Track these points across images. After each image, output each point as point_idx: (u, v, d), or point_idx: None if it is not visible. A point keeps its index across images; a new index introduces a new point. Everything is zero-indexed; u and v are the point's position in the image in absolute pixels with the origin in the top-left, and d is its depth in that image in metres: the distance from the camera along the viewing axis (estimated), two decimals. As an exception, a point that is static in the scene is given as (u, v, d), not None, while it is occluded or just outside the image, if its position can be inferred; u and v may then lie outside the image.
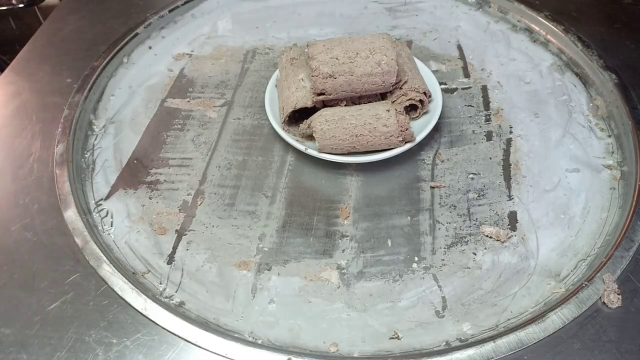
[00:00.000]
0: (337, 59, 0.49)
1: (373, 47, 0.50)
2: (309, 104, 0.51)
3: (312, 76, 0.50)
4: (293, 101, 0.52)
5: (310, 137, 0.52)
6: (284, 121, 0.53)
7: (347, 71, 0.50)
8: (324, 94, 0.51)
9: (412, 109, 0.54)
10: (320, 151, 0.51)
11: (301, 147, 0.52)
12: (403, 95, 0.52)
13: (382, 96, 0.54)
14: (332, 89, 0.50)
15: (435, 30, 0.69)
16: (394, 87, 0.52)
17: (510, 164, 0.53)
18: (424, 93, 0.53)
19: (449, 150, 0.55)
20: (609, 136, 0.55)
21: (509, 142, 0.55)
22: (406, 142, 0.51)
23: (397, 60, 0.52)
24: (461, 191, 0.51)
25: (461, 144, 0.55)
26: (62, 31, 0.67)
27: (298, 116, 0.53)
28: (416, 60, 0.58)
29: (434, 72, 0.58)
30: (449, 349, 0.40)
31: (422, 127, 0.53)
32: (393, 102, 0.52)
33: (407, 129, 0.50)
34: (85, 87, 0.59)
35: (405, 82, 0.52)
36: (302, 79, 0.53)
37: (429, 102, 0.54)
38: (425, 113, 0.55)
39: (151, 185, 0.53)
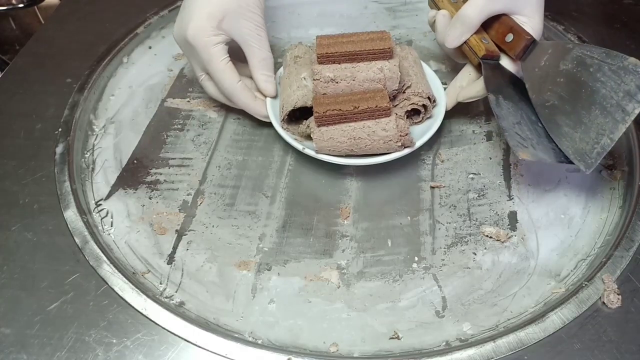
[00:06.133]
0: (339, 63, 0.50)
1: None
2: (309, 103, 0.51)
3: (314, 80, 0.50)
4: (293, 100, 0.52)
5: (310, 137, 0.51)
6: (283, 119, 0.52)
7: (349, 76, 0.50)
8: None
9: (415, 113, 0.53)
10: (317, 152, 0.50)
11: (299, 147, 0.51)
12: (406, 99, 0.52)
13: None
14: (334, 92, 0.50)
15: (435, 30, 0.69)
16: (397, 91, 0.52)
17: (510, 164, 0.53)
18: (428, 98, 0.52)
19: (449, 150, 0.55)
20: (609, 136, 0.55)
21: (509, 142, 0.55)
22: (405, 147, 0.50)
23: (403, 63, 0.52)
24: (461, 191, 0.51)
25: (461, 144, 0.55)
26: (62, 31, 0.67)
27: (299, 115, 0.53)
28: (424, 64, 0.57)
29: (434, 72, 0.58)
30: (449, 349, 0.40)
31: (423, 131, 0.52)
32: (395, 105, 0.52)
33: (406, 134, 0.49)
34: (85, 87, 0.59)
35: (409, 86, 0.52)
36: (304, 78, 0.53)
37: (433, 106, 0.53)
38: (428, 118, 0.54)
39: (151, 185, 0.53)
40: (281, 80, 0.56)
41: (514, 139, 0.46)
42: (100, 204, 0.51)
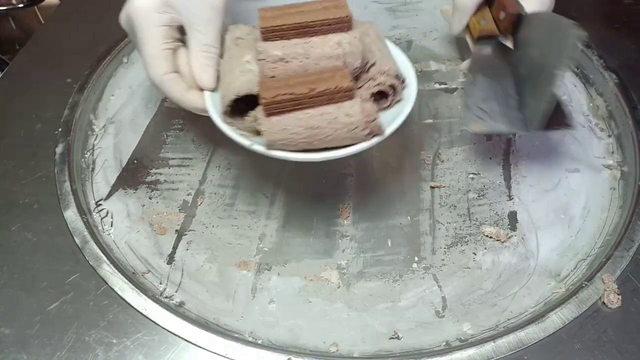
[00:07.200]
0: (289, 38, 0.42)
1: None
2: (256, 90, 0.42)
3: (259, 60, 0.42)
4: (236, 87, 0.43)
5: (259, 133, 0.42)
6: (225, 112, 0.44)
7: (301, 53, 0.42)
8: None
9: (381, 96, 0.45)
10: (269, 148, 0.42)
11: (246, 143, 0.42)
12: (371, 79, 0.44)
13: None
14: (284, 75, 0.42)
15: (435, 30, 0.69)
16: (359, 70, 0.44)
17: (510, 164, 0.53)
18: (396, 77, 0.44)
19: (449, 150, 0.55)
20: (609, 136, 0.55)
21: (509, 142, 0.55)
22: (374, 136, 0.42)
23: (364, 39, 0.45)
24: (461, 191, 0.51)
25: (461, 144, 0.55)
26: (62, 31, 0.67)
27: (244, 106, 0.44)
28: (387, 42, 0.50)
29: (434, 72, 0.58)
30: (449, 349, 0.40)
31: (394, 118, 0.44)
32: (359, 87, 0.44)
33: (374, 120, 0.41)
34: (85, 87, 0.59)
35: (373, 64, 0.44)
36: (249, 61, 0.44)
37: (403, 88, 0.45)
38: (398, 102, 0.45)
39: (151, 185, 0.53)
40: (220, 67, 0.47)
41: (472, 113, 0.48)
42: (100, 204, 0.51)
